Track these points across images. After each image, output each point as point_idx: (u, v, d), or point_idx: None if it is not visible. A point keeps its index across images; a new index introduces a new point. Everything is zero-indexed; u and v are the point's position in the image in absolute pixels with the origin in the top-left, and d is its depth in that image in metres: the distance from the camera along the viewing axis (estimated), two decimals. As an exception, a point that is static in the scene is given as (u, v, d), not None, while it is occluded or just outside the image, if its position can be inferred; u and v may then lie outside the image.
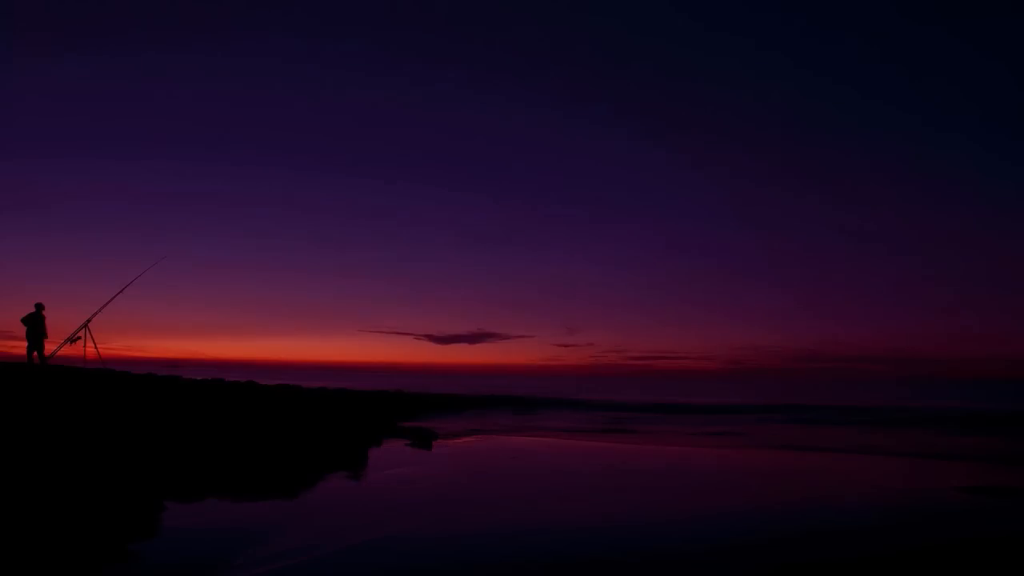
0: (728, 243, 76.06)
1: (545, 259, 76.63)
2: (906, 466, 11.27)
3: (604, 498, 7.63)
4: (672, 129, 73.00)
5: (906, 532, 5.93)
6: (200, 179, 67.29)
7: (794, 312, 74.26)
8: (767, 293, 75.37)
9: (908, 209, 70.04)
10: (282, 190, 69.53)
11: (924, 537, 5.72)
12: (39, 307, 14.40)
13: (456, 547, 5.19)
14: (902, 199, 69.43)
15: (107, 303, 14.70)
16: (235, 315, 71.40)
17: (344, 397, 18.41)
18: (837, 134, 68.07)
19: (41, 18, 54.16)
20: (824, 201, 72.43)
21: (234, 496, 6.85)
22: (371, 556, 4.84)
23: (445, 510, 6.63)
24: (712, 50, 67.19)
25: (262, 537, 5.21)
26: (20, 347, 14.70)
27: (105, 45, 58.36)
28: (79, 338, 14.44)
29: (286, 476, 8.24)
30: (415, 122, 70.00)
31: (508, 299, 77.40)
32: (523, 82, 69.44)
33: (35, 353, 14.32)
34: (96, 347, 14.53)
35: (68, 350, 14.46)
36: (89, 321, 14.53)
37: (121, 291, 14.87)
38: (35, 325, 14.28)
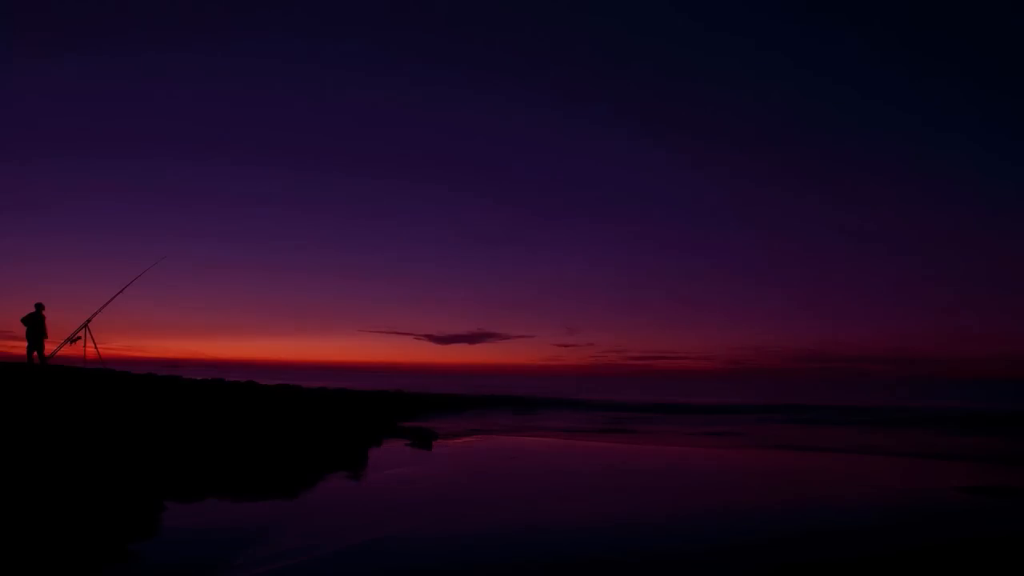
0: (728, 243, 76.13)
1: (545, 259, 76.73)
2: (906, 466, 11.27)
3: (604, 498, 7.63)
4: (672, 129, 73.07)
5: (906, 532, 5.93)
6: (200, 179, 67.34)
7: (794, 312, 74.31)
8: (767, 293, 75.45)
9: (908, 209, 70.08)
10: (282, 190, 69.59)
11: (924, 537, 5.72)
12: (39, 307, 14.40)
13: (456, 547, 5.19)
14: (902, 199, 69.48)
15: (107, 303, 14.71)
16: (235, 315, 71.45)
17: (344, 397, 18.41)
18: (837, 134, 68.15)
19: (41, 18, 54.18)
20: (824, 201, 72.50)
21: (234, 496, 6.85)
22: (371, 556, 4.84)
23: (445, 510, 6.63)
24: (712, 50, 67.25)
25: (262, 537, 5.21)
26: (20, 347, 14.72)
27: (105, 45, 58.41)
28: (79, 338, 14.45)
29: (286, 476, 8.24)
30: (415, 122, 70.08)
31: (508, 299, 77.45)
32: (523, 82, 69.53)
33: (35, 353, 14.32)
34: (96, 347, 14.55)
35: (68, 350, 14.47)
36: (89, 321, 14.54)
37: (121, 291, 14.88)
38: (35, 325, 14.29)
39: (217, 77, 64.66)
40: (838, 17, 63.16)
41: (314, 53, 64.20)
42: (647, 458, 11.86)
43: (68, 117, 61.21)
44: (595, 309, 79.88)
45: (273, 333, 75.98)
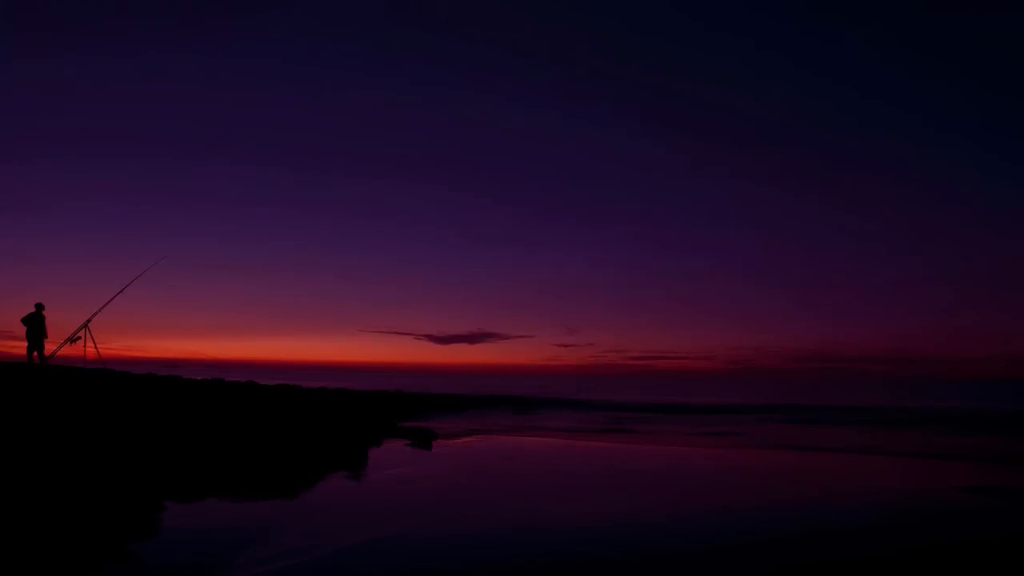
0: (728, 243, 76.20)
1: (545, 259, 76.81)
2: (906, 466, 11.27)
3: (604, 498, 7.63)
4: (672, 129, 73.10)
5: (906, 532, 5.93)
6: (200, 179, 67.40)
7: (794, 312, 74.39)
8: (767, 293, 75.52)
9: (908, 209, 70.12)
10: (282, 190, 69.64)
11: (924, 537, 5.72)
12: (39, 307, 14.40)
13: (456, 547, 5.19)
14: (902, 199, 69.54)
15: (107, 303, 14.72)
16: (235, 315, 71.56)
17: (344, 397, 18.42)
18: (837, 134, 68.19)
19: (41, 18, 54.18)
20: (824, 201, 72.56)
21: (234, 496, 6.85)
22: (371, 556, 4.84)
23: (445, 510, 6.63)
24: (712, 50, 67.29)
25: (262, 537, 5.21)
26: (20, 347, 14.73)
27: (105, 45, 58.44)
28: (79, 338, 14.45)
29: (286, 476, 8.24)
30: (415, 122, 70.12)
31: (508, 299, 77.55)
32: (523, 82, 69.58)
33: (35, 353, 14.33)
34: (96, 347, 14.55)
35: (68, 350, 14.48)
36: (89, 321, 14.54)
37: (121, 291, 14.89)
38: (35, 325, 14.29)
39: (217, 77, 64.73)
40: (838, 17, 63.21)
41: (314, 53, 64.25)
42: (647, 458, 11.86)
43: (68, 117, 61.26)
44: (595, 309, 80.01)
45: (273, 333, 76.08)
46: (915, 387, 64.07)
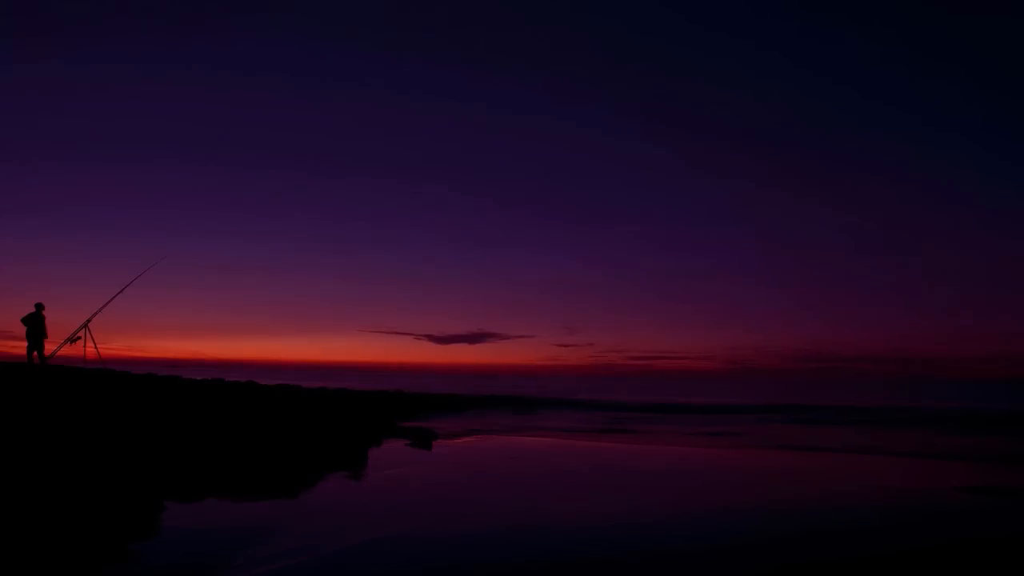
0: (728, 243, 76.25)
1: (545, 259, 76.87)
2: (906, 466, 11.27)
3: (604, 498, 7.63)
4: (672, 129, 73.12)
5: (906, 532, 5.93)
6: (200, 179, 67.46)
7: (794, 312, 74.45)
8: (767, 293, 75.57)
9: (908, 209, 70.16)
10: (282, 190, 69.68)
11: (924, 537, 5.72)
12: (39, 307, 14.40)
13: (456, 547, 5.19)
14: (902, 199, 69.59)
15: (107, 303, 14.72)
16: (235, 315, 71.57)
17: (344, 397, 18.42)
18: (837, 134, 68.23)
19: (41, 18, 54.18)
20: (824, 201, 72.63)
21: (234, 496, 6.85)
22: (371, 556, 4.84)
23: (445, 510, 6.63)
24: (712, 50, 67.31)
25: (262, 537, 5.21)
26: (20, 347, 14.73)
27: (105, 45, 58.42)
28: (79, 338, 14.45)
29: (286, 476, 8.23)
30: (415, 122, 70.16)
31: (508, 299, 77.61)
32: (523, 82, 69.61)
33: (35, 353, 14.33)
34: (96, 347, 14.55)
35: (68, 350, 14.48)
36: (89, 321, 14.54)
37: (121, 291, 14.90)
38: (35, 325, 14.29)
39: (217, 77, 64.80)
40: (838, 17, 63.22)
41: (314, 53, 64.26)
42: (647, 458, 11.85)
43: (68, 117, 61.29)
44: (595, 309, 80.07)
45: (273, 333, 76.12)
46: (915, 387, 64.05)
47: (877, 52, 66.08)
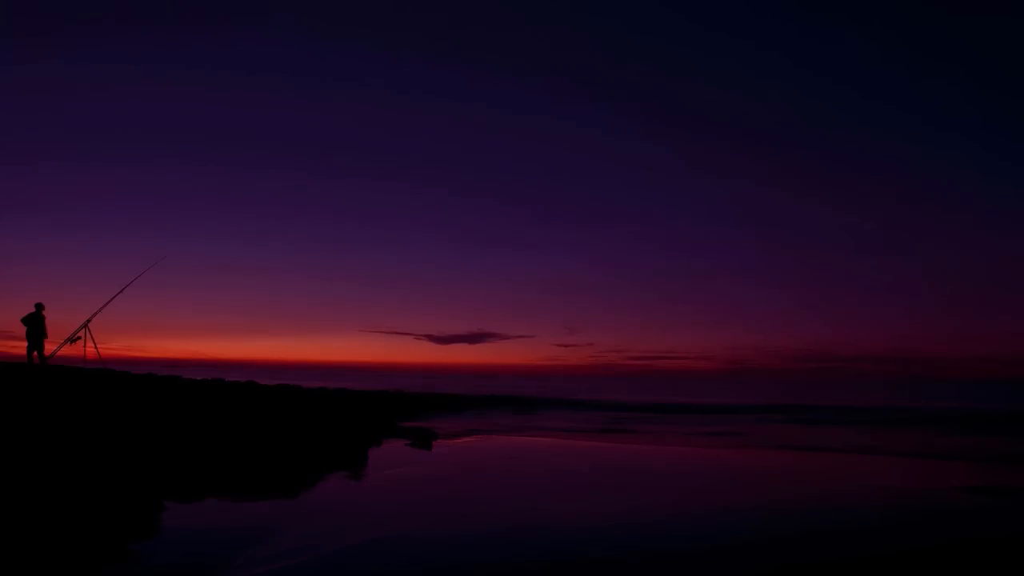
0: (728, 243, 76.28)
1: (545, 259, 76.92)
2: (906, 466, 11.27)
3: (604, 498, 7.63)
4: (672, 129, 73.13)
5: (906, 532, 5.93)
6: (200, 179, 67.49)
7: (794, 312, 74.48)
8: (767, 293, 75.64)
9: (908, 209, 70.17)
10: (282, 190, 69.72)
11: (924, 537, 5.72)
12: (39, 307, 14.40)
13: (456, 547, 5.19)
14: (902, 199, 69.62)
15: (107, 303, 14.72)
16: (235, 315, 71.62)
17: (344, 397, 18.41)
18: (837, 134, 68.24)
19: (41, 18, 54.18)
20: (824, 201, 72.66)
21: (234, 496, 6.85)
22: (371, 556, 4.84)
23: (445, 510, 6.63)
24: (712, 50, 67.33)
25: (262, 537, 5.21)
26: (20, 347, 14.73)
27: (105, 45, 58.43)
28: (79, 338, 14.45)
29: (286, 476, 8.24)
30: (415, 122, 70.22)
31: (508, 299, 77.69)
32: (523, 82, 69.65)
33: (35, 353, 14.33)
34: (96, 347, 14.55)
35: (68, 350, 14.48)
36: (89, 321, 14.54)
37: (121, 291, 14.89)
38: (35, 325, 14.29)
39: (217, 78, 64.82)
40: (838, 17, 63.24)
41: (314, 54, 64.29)
42: (647, 458, 11.85)
43: (68, 117, 61.31)
44: (595, 309, 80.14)
45: (273, 333, 76.19)
46: (915, 387, 64.04)
47: (877, 52, 66.15)
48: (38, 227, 61.59)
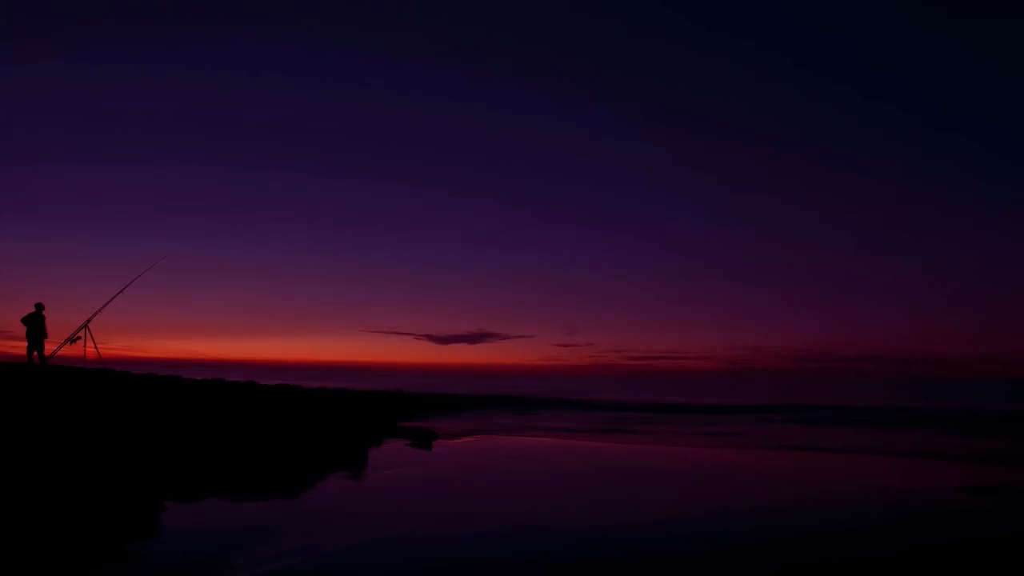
0: (728, 243, 76.27)
1: (545, 259, 76.94)
2: (906, 466, 11.27)
3: (604, 498, 7.63)
4: (672, 129, 73.16)
5: (906, 532, 5.93)
6: (200, 179, 67.47)
7: (794, 312, 74.49)
8: (767, 293, 75.63)
9: (908, 209, 70.15)
10: (282, 190, 69.72)
11: (924, 537, 5.71)
12: (39, 307, 14.40)
13: (456, 547, 5.19)
14: (902, 199, 69.58)
15: (107, 303, 14.73)
16: (235, 315, 71.64)
17: (344, 397, 18.42)
18: (837, 134, 68.24)
19: (41, 18, 54.17)
20: (824, 201, 72.59)
21: (234, 496, 6.85)
22: (371, 556, 4.84)
23: (445, 510, 6.63)
24: (712, 50, 67.32)
25: (262, 537, 5.21)
26: (20, 347, 14.73)
27: (105, 45, 58.43)
28: (79, 338, 14.45)
29: (286, 476, 8.23)
30: (415, 122, 70.24)
31: (508, 299, 77.68)
32: (523, 82, 69.67)
33: (35, 353, 14.33)
34: (96, 347, 14.55)
35: (68, 350, 14.48)
36: (89, 321, 14.54)
37: (121, 291, 14.90)
38: (35, 325, 14.29)
39: (217, 78, 64.80)
40: (838, 17, 63.25)
41: (314, 53, 64.29)
42: (647, 458, 11.85)
43: (68, 117, 61.32)
44: (595, 309, 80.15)
45: (273, 333, 76.20)
46: (915, 387, 64.03)
47: (877, 52, 66.17)
48: (38, 227, 61.64)
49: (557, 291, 78.14)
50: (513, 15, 63.72)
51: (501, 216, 75.97)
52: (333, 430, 11.67)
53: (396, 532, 5.54)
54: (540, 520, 6.24)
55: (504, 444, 13.51)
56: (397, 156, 74.47)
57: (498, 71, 69.99)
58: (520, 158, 74.98)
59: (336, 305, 73.07)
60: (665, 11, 64.48)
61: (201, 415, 10.34)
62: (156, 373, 17.06)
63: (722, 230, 77.34)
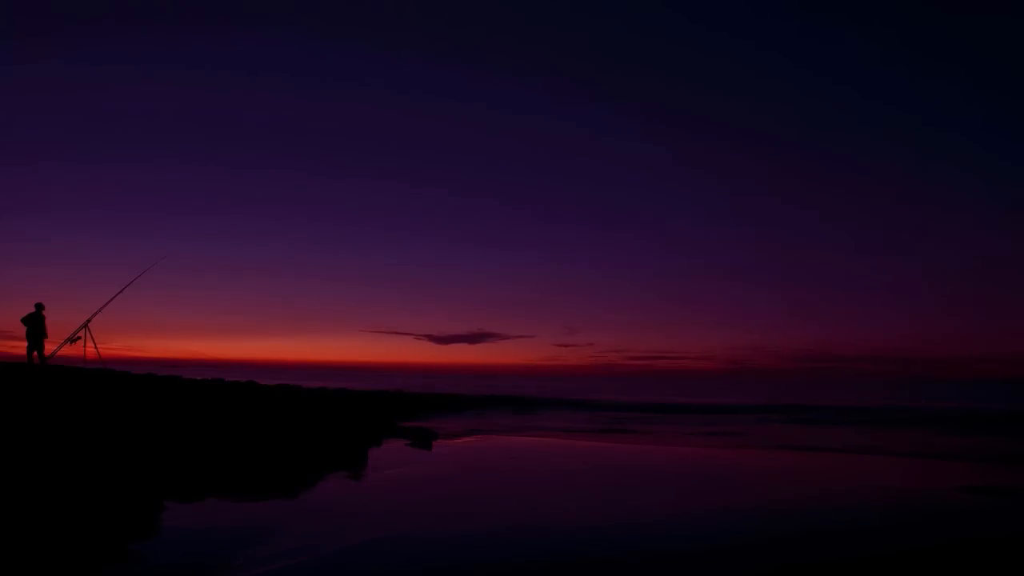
0: (728, 243, 76.28)
1: (545, 259, 76.93)
2: (906, 466, 11.27)
3: (604, 498, 7.63)
4: (672, 129, 73.17)
5: (906, 532, 5.93)
6: (200, 179, 67.48)
7: (794, 312, 74.49)
8: (767, 293, 75.64)
9: (908, 209, 70.14)
10: (282, 190, 69.78)
11: (924, 537, 5.71)
12: (39, 307, 14.40)
13: (456, 547, 5.19)
14: (902, 199, 69.58)
15: (107, 303, 14.73)
16: (235, 315, 71.65)
17: (344, 397, 18.42)
18: (837, 134, 68.23)
19: (41, 18, 54.17)
20: (824, 201, 72.59)
21: (234, 496, 6.85)
22: (371, 556, 4.84)
23: (445, 510, 6.63)
24: (712, 50, 67.31)
25: (262, 537, 5.21)
26: (20, 347, 14.73)
27: (105, 45, 58.42)
28: (79, 338, 14.45)
29: (286, 476, 8.24)
30: (416, 122, 70.27)
31: (508, 299, 77.69)
32: (523, 82, 69.69)
33: (35, 353, 14.33)
34: (96, 347, 14.55)
35: (68, 350, 14.49)
36: (89, 321, 14.54)
37: (121, 291, 14.90)
38: (35, 325, 14.29)
39: (217, 77, 64.79)
40: (838, 17, 63.27)
41: (314, 53, 64.27)
42: (647, 458, 11.85)
43: (68, 117, 61.31)
44: (595, 309, 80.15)
45: (273, 333, 76.21)
46: (915, 387, 64.02)
47: (877, 52, 66.20)
48: (38, 227, 61.64)
49: (557, 291, 78.22)
50: (513, 15, 63.75)
51: (501, 216, 76.05)
52: (333, 430, 11.67)
53: (396, 532, 5.54)
54: (540, 520, 6.24)
55: (504, 444, 13.51)
56: (397, 156, 74.54)
57: (498, 71, 70.05)
58: (520, 158, 75.06)
59: (336, 305, 73.15)
60: (665, 11, 64.52)
61: (201, 415, 10.34)
62: (156, 373, 17.07)
63: (722, 230, 77.43)
